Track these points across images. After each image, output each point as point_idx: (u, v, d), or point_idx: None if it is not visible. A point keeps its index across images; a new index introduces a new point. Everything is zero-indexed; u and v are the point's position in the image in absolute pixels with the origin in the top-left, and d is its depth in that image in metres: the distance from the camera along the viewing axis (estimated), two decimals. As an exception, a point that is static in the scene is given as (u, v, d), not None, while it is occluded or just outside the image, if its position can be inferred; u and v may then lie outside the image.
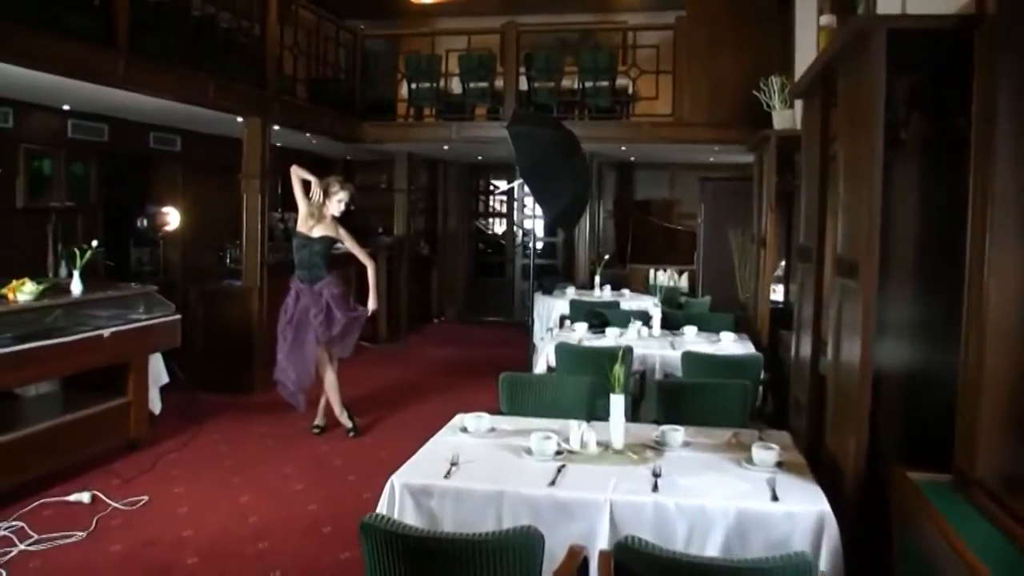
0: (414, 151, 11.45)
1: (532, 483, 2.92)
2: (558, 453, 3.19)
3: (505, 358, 10.35)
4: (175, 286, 9.46)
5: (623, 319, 6.89)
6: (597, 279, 9.59)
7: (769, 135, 7.13)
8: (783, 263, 7.51)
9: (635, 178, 13.61)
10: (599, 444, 3.27)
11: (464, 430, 3.50)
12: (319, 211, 6.26)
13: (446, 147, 10.84)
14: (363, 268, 6.47)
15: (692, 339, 6.27)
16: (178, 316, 6.17)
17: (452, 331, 12.60)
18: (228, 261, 9.03)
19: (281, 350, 6.23)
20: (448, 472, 3.01)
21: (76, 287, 5.63)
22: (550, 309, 9.00)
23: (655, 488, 2.86)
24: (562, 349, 5.46)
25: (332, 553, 4.36)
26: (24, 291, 5.16)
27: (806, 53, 5.97)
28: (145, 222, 7.57)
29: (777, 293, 7.42)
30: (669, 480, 2.93)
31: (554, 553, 2.61)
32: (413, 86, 10.45)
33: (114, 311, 5.90)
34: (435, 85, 10.36)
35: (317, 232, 6.26)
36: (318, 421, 6.55)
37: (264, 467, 5.71)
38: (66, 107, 7.42)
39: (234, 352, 7.79)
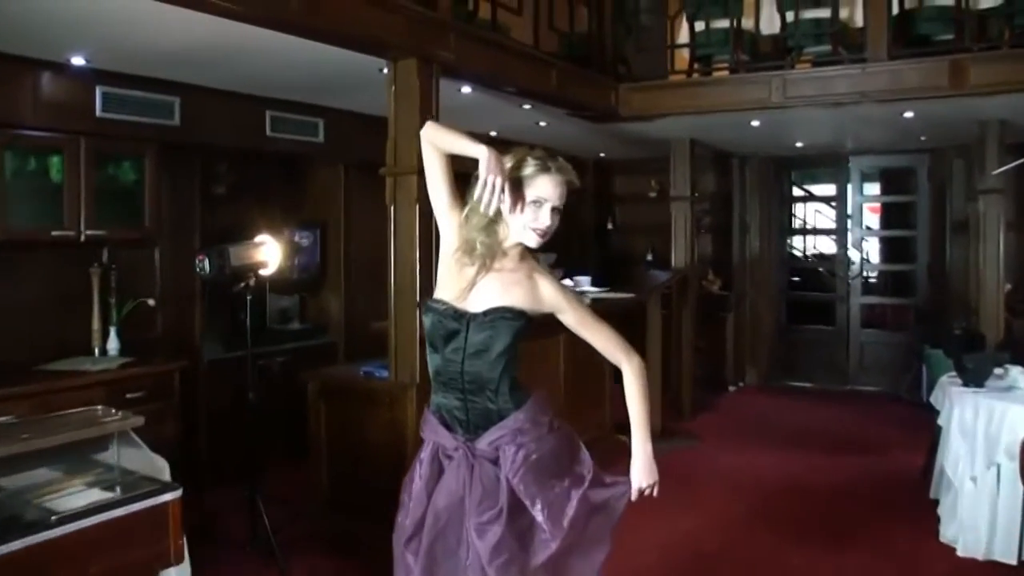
0: (699, 137, 7.37)
1: None
2: None
3: (887, 478, 5.73)
4: (333, 350, 6.21)
5: None
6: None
7: None
8: None
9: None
10: None
11: None
12: (493, 238, 2.35)
13: (755, 123, 6.63)
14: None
15: None
16: (177, 493, 2.56)
17: (762, 408, 8.14)
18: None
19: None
20: None
21: None
22: (984, 421, 4.41)
23: None
24: None
25: None
26: None
27: None
28: (206, 264, 3.93)
29: None
30: None
31: None
32: (699, 25, 6.45)
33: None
34: (735, 22, 6.28)
35: (484, 298, 2.32)
36: None
37: None
38: (79, 60, 4.09)
39: (380, 498, 4.12)
